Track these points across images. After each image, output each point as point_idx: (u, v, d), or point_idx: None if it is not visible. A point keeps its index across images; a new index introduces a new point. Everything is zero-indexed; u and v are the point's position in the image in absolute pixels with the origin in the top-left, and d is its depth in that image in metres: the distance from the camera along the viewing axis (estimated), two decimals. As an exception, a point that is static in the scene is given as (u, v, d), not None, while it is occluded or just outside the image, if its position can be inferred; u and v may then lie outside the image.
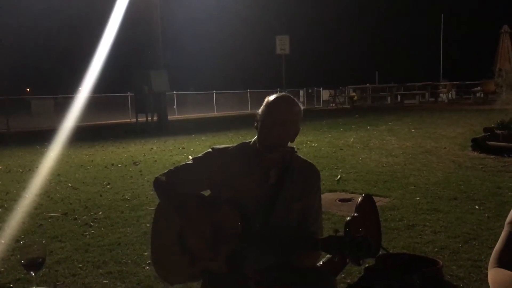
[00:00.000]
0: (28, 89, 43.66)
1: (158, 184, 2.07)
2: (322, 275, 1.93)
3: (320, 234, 1.97)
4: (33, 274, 1.75)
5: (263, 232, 1.86)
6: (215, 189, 2.04)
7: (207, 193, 2.10)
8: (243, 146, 2.06)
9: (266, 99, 2.00)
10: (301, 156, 2.07)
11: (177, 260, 1.95)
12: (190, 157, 2.21)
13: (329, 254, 1.73)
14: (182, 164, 2.11)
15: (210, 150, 2.09)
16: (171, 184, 2.02)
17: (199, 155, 2.10)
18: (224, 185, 1.99)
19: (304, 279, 1.84)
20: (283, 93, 2.05)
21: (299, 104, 2.01)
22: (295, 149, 2.02)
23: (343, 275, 3.12)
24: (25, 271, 1.79)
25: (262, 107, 1.98)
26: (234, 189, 1.96)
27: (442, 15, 37.62)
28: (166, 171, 2.10)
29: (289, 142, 1.99)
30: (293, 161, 2.01)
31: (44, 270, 3.44)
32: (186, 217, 1.92)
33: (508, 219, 1.67)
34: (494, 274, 1.60)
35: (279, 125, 1.90)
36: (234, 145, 2.09)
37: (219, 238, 1.85)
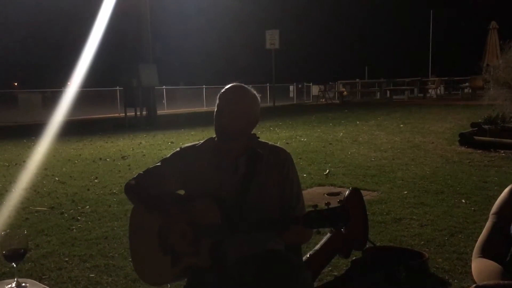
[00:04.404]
0: (16, 83, 43.27)
1: (129, 189, 2.06)
2: (299, 267, 1.92)
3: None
4: (14, 265, 1.74)
5: (241, 220, 1.85)
6: (188, 187, 2.04)
7: (180, 193, 2.10)
8: (209, 141, 2.07)
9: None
10: (268, 142, 2.08)
11: (159, 262, 1.93)
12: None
13: (311, 228, 1.73)
14: (151, 167, 2.10)
15: (178, 149, 2.10)
16: (143, 186, 2.01)
17: (167, 156, 2.10)
18: (197, 182, 1.99)
19: (279, 270, 1.81)
20: (235, 83, 2.03)
21: (253, 92, 2.01)
22: (257, 136, 2.03)
23: (330, 268, 3.13)
24: (8, 263, 1.77)
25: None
26: (206, 184, 1.95)
27: (431, 11, 37.87)
28: (135, 175, 2.09)
29: (251, 131, 2.00)
30: (260, 148, 2.01)
31: (29, 264, 3.41)
32: (164, 215, 1.92)
33: (493, 210, 1.68)
34: (477, 264, 1.61)
35: (228, 113, 1.92)
36: (201, 141, 2.09)
37: (200, 232, 1.84)
